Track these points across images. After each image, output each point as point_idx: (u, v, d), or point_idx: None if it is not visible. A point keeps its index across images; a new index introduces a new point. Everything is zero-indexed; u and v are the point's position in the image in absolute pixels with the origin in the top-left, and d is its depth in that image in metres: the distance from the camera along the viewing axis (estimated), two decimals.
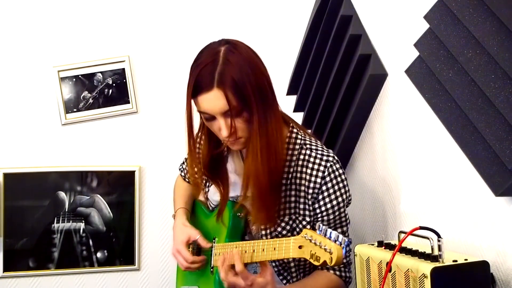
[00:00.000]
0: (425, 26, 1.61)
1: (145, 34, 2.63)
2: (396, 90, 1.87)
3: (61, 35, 2.55)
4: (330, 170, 1.69)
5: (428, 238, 1.35)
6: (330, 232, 1.38)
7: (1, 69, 2.52)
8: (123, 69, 2.59)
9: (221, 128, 1.60)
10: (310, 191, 1.70)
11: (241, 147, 1.68)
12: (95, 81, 2.58)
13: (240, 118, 1.60)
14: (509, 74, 1.31)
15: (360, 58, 1.96)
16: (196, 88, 1.59)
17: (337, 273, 1.75)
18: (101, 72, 2.58)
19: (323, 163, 1.70)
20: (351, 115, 2.03)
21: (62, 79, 2.55)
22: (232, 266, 1.61)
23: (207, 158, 1.75)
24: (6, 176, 2.49)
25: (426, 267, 1.30)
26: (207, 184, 1.89)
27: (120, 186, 2.60)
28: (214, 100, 1.57)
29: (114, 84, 2.59)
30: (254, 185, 1.65)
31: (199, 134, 1.77)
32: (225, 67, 1.57)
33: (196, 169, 1.78)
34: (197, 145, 1.79)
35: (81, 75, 2.57)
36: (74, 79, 2.56)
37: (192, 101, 1.64)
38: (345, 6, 2.09)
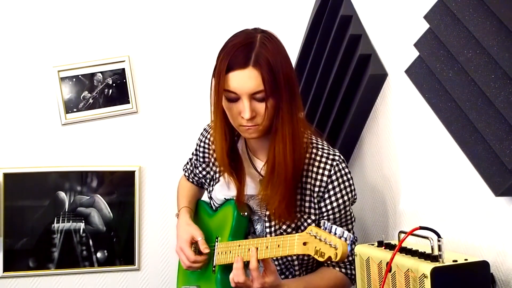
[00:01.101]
0: (425, 26, 1.61)
1: (145, 34, 2.63)
2: (396, 90, 1.87)
3: (61, 35, 2.55)
4: (337, 169, 1.70)
5: (428, 238, 1.35)
6: (336, 229, 1.39)
7: (1, 69, 2.51)
8: (123, 69, 2.59)
9: (244, 110, 1.60)
10: (316, 189, 1.70)
11: (255, 135, 1.67)
12: (95, 81, 2.58)
13: (264, 103, 1.60)
14: (509, 74, 1.31)
15: (360, 58, 1.96)
16: (229, 65, 1.59)
17: (343, 270, 1.75)
18: (101, 72, 2.58)
19: (329, 162, 1.70)
20: (351, 115, 2.03)
21: (62, 79, 2.55)
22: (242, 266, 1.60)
23: (224, 148, 1.74)
24: (6, 176, 2.49)
25: (426, 267, 1.30)
26: (211, 183, 1.89)
27: (120, 186, 2.59)
28: (246, 78, 1.58)
29: (114, 84, 2.59)
30: (281, 173, 1.64)
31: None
32: (262, 50, 1.59)
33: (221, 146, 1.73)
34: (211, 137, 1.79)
35: (81, 75, 2.56)
36: (74, 79, 2.56)
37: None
38: (345, 6, 2.09)
